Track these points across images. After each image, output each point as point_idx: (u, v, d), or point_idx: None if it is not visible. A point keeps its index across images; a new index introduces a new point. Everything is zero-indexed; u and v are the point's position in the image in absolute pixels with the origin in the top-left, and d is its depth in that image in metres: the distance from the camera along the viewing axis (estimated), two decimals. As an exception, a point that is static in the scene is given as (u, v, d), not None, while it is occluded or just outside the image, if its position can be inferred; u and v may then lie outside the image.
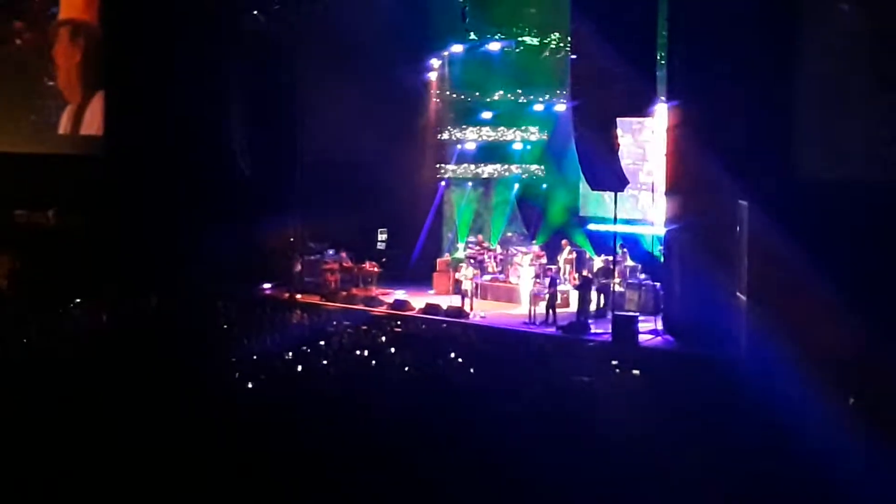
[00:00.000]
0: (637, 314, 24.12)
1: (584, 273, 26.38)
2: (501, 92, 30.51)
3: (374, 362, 18.97)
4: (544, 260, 28.01)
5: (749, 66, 21.72)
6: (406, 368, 18.25)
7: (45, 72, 33.75)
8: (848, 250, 19.99)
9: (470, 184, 31.91)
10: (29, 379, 16.31)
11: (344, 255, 29.27)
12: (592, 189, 25.82)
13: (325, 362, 18.81)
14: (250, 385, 16.61)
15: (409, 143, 31.03)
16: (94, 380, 16.01)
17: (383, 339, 21.54)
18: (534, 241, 29.92)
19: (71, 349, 19.56)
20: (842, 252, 19.92)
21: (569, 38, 25.58)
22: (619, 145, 24.11)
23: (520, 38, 29.47)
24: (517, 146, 30.95)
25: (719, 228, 21.95)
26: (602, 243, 27.65)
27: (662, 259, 25.27)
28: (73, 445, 12.76)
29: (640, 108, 23.99)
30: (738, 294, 21.52)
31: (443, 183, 31.92)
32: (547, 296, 25.25)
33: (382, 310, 26.70)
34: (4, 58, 34.43)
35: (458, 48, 30.40)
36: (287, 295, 28.27)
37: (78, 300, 24.77)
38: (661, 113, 24.23)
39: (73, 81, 33.46)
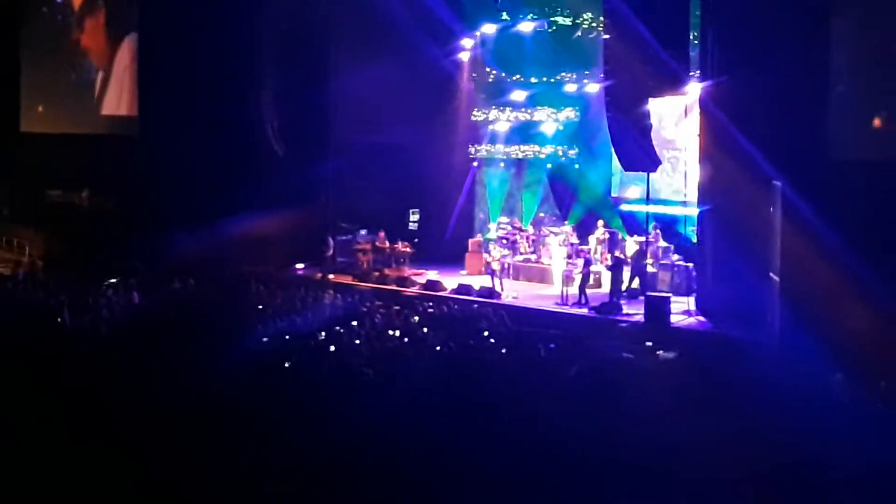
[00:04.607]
0: (669, 295, 24.05)
1: (617, 253, 26.30)
2: (534, 72, 30.41)
3: (406, 342, 19.01)
4: (576, 240, 27.96)
5: (783, 45, 21.57)
6: (438, 348, 18.27)
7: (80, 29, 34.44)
8: (883, 231, 19.88)
9: (502, 164, 31.87)
10: (63, 359, 16.41)
11: (382, 234, 29.26)
12: (625, 170, 25.76)
13: (357, 342, 18.87)
14: (287, 365, 16.67)
15: (441, 123, 31.04)
16: (128, 360, 16.11)
17: (416, 319, 21.57)
18: (566, 222, 29.81)
19: (105, 329, 19.68)
20: (876, 233, 19.81)
21: (602, 18, 25.51)
22: (651, 125, 24.03)
23: (552, 18, 29.35)
24: (549, 126, 30.76)
25: (752, 209, 21.79)
26: (635, 224, 27.56)
27: (695, 239, 25.17)
28: (107, 425, 12.84)
29: (673, 88, 23.89)
30: (770, 275, 21.42)
31: (475, 163, 31.92)
32: (579, 276, 25.22)
33: (415, 290, 26.76)
34: (45, 16, 34.90)
35: (490, 28, 30.34)
36: (320, 275, 28.33)
37: (112, 280, 24.89)
38: (694, 92, 24.10)
39: (100, 40, 34.12)
